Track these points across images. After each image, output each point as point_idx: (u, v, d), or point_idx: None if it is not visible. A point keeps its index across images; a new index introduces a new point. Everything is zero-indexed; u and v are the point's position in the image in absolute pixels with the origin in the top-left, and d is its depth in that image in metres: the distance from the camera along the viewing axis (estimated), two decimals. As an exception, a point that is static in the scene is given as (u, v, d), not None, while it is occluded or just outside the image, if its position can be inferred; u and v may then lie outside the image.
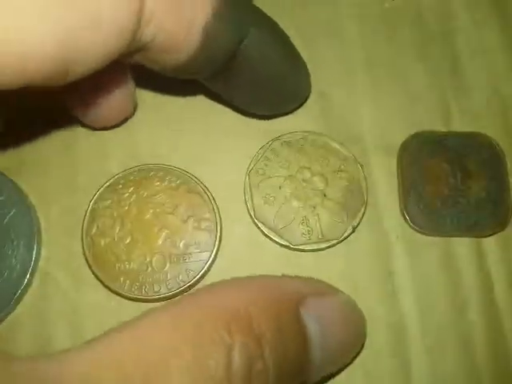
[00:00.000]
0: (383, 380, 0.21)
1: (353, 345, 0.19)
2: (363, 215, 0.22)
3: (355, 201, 0.22)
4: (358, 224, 0.22)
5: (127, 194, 0.22)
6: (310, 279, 0.20)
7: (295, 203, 0.22)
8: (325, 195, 0.22)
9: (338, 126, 0.24)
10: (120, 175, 0.22)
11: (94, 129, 0.23)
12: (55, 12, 0.12)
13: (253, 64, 0.18)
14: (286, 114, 0.23)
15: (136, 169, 0.22)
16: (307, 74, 0.22)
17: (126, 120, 0.23)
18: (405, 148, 0.23)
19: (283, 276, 0.21)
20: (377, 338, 0.21)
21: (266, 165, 0.23)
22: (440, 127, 0.24)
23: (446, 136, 0.23)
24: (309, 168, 0.22)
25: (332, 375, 0.20)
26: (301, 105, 0.23)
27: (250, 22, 0.17)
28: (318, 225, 0.22)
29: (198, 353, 0.13)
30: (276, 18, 0.25)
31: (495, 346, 0.21)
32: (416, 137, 0.23)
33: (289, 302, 0.15)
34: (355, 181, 0.22)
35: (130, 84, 0.21)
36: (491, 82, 0.24)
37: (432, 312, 0.21)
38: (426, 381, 0.21)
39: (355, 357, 0.20)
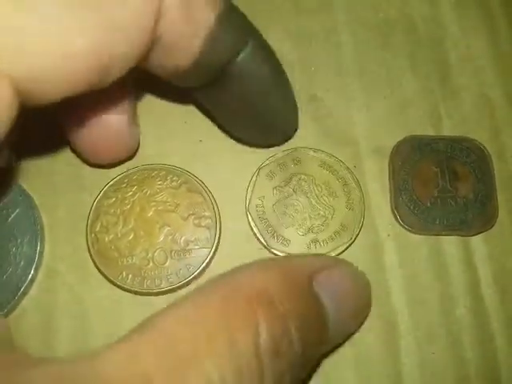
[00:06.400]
0: (374, 373, 0.21)
1: (361, 312, 0.20)
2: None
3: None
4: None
5: (130, 193, 0.23)
6: (316, 255, 0.21)
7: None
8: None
9: (331, 129, 0.24)
10: (124, 174, 0.23)
11: (90, 164, 0.23)
12: (91, 27, 0.13)
13: (244, 79, 0.18)
14: (269, 146, 0.24)
15: (139, 168, 0.23)
16: (295, 108, 0.22)
17: (123, 160, 0.23)
18: (396, 151, 0.24)
19: (292, 255, 0.21)
20: (368, 332, 0.22)
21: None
22: (430, 131, 0.25)
23: (436, 139, 0.24)
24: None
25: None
26: (285, 140, 0.24)
27: (250, 34, 0.18)
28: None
29: (227, 335, 0.13)
30: (271, 24, 0.26)
31: (482, 339, 0.22)
32: (407, 140, 0.24)
33: (303, 279, 0.16)
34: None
35: (127, 121, 0.21)
36: (479, 87, 0.25)
37: (422, 307, 0.22)
38: (416, 373, 0.21)
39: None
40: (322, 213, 0.23)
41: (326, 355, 0.21)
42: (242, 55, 0.18)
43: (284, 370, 0.14)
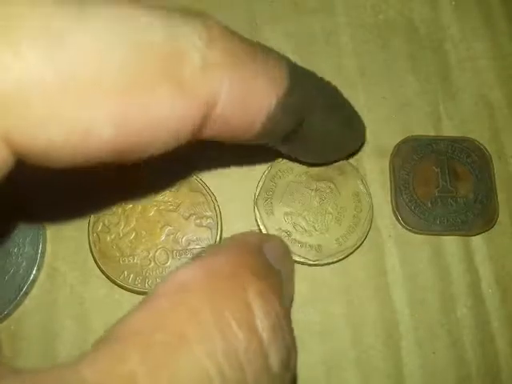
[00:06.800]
0: (375, 373, 0.21)
1: (292, 284, 0.19)
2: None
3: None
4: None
5: (132, 193, 0.23)
6: (251, 231, 0.22)
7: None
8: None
9: (334, 129, 0.25)
10: (125, 174, 0.23)
11: None
12: (122, 117, 0.12)
13: (312, 137, 0.18)
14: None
15: (141, 168, 0.23)
16: (363, 129, 0.22)
17: None
18: (397, 151, 0.24)
19: (244, 233, 0.22)
20: (370, 331, 0.22)
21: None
22: (430, 131, 0.25)
23: (436, 140, 0.25)
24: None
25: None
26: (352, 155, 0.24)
27: (312, 106, 0.17)
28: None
29: (214, 311, 0.12)
30: (272, 25, 0.26)
31: (483, 339, 0.22)
32: (407, 141, 0.24)
33: (260, 251, 0.15)
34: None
35: None
36: (479, 88, 0.26)
37: (422, 307, 0.22)
38: (417, 373, 0.22)
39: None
40: (315, 224, 0.23)
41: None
42: (306, 122, 0.17)
43: (290, 346, 0.13)
